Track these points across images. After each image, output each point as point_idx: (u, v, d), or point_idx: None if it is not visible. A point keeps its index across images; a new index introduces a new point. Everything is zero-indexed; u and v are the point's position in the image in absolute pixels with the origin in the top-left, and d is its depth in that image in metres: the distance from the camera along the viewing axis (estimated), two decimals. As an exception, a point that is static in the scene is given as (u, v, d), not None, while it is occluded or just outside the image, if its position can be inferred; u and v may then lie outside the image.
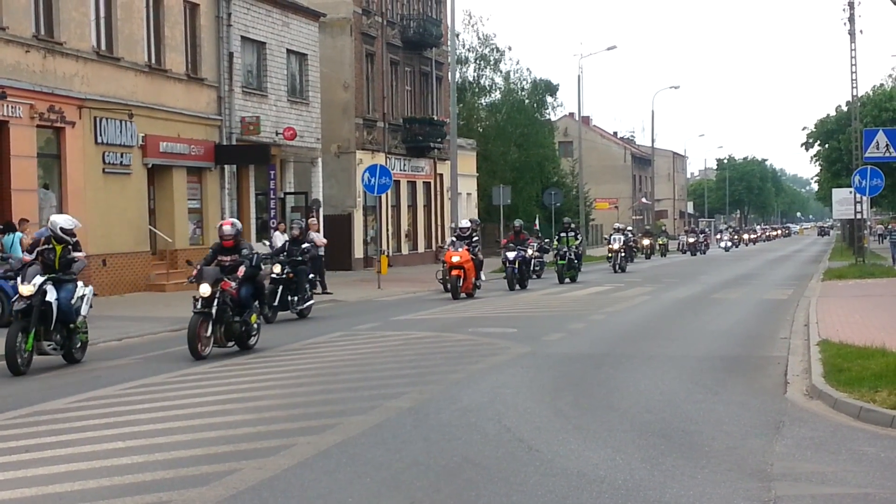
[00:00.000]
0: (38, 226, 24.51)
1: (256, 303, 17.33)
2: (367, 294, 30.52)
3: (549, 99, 70.09)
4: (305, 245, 23.64)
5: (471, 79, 66.65)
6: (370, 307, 26.56)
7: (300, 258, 23.26)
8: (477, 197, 59.02)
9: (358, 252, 45.22)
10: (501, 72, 67.74)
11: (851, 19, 43.90)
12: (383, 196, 40.68)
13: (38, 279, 15.11)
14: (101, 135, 28.89)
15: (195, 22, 34.08)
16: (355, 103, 45.21)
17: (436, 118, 51.96)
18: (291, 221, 25.74)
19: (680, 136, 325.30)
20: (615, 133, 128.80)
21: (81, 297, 15.92)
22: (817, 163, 71.74)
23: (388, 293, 30.32)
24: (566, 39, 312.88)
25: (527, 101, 67.87)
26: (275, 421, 10.94)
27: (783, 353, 16.13)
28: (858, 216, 45.86)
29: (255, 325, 17.12)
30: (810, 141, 70.11)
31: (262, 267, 17.96)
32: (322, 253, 30.38)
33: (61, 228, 15.88)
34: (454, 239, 29.99)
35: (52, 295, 15.19)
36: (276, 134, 37.43)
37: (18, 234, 23.00)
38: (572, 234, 37.54)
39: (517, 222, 36.17)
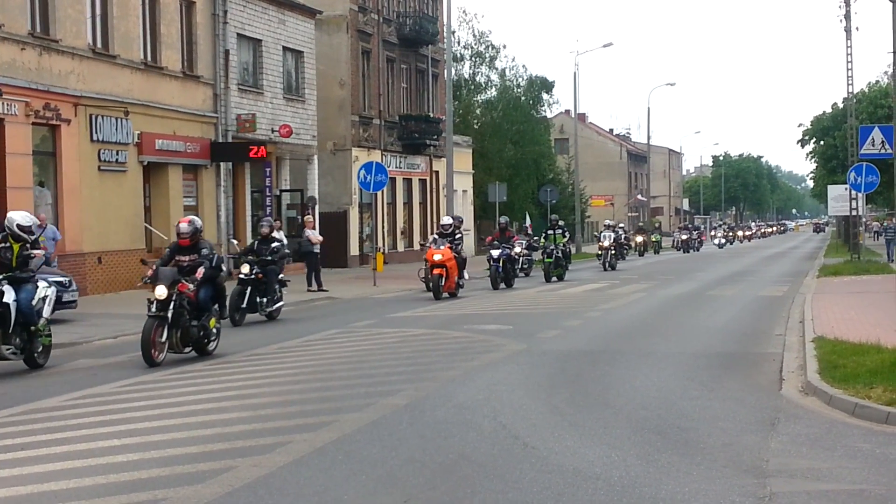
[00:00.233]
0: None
1: (216, 306, 16.39)
2: (362, 291, 30.52)
3: (544, 96, 69.94)
4: (275, 244, 22.69)
5: (466, 76, 66.60)
6: (366, 304, 26.56)
7: (269, 258, 22.36)
8: (473, 194, 59.00)
9: (354, 249, 45.22)
10: (497, 69, 67.68)
11: (847, 16, 43.92)
12: (379, 193, 40.61)
13: None
14: (96, 132, 28.86)
15: (191, 19, 34.05)
16: (351, 100, 45.20)
17: (432, 115, 51.95)
18: (261, 220, 24.24)
19: (676, 133, 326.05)
20: (611, 130, 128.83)
21: (43, 299, 15.13)
22: (813, 160, 71.77)
23: (383, 290, 30.32)
24: (562, 37, 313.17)
25: (523, 98, 67.79)
26: (271, 418, 10.94)
27: (778, 350, 16.15)
28: (854, 213, 45.89)
29: (214, 330, 16.25)
30: (806, 138, 70.13)
31: (223, 268, 16.88)
32: (318, 250, 30.41)
33: (18, 225, 14.96)
34: (436, 237, 29.21)
35: (9, 296, 14.47)
36: (272, 131, 37.40)
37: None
38: (559, 231, 36.76)
39: (502, 219, 35.39)
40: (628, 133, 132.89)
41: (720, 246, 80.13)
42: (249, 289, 21.60)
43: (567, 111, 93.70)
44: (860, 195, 41.13)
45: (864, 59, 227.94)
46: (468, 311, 23.56)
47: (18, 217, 15.29)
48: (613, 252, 44.70)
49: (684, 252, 68.56)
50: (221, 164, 35.04)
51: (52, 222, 26.74)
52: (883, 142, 31.22)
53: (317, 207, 40.04)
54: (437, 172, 53.10)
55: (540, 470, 8.73)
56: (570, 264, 42.04)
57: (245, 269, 21.82)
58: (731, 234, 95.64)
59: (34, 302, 14.91)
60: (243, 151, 35.06)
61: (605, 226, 47.94)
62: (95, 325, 19.43)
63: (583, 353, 16.18)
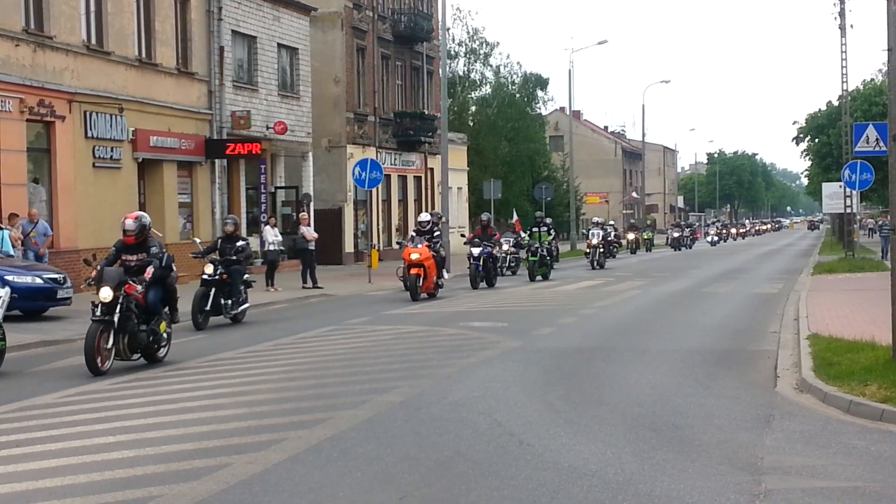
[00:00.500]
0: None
1: (167, 309, 15.36)
2: (357, 288, 30.51)
3: (539, 93, 69.98)
4: (240, 243, 21.44)
5: (461, 73, 66.60)
6: (361, 301, 26.56)
7: (234, 257, 21.13)
8: (468, 191, 59.00)
9: (349, 246, 45.20)
10: (492, 66, 67.69)
11: (842, 14, 43.98)
12: (374, 190, 40.58)
13: None
14: (91, 129, 28.82)
15: (186, 16, 34.01)
16: (346, 97, 45.17)
17: (426, 112, 51.93)
18: (225, 217, 22.82)
19: (670, 130, 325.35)
20: (606, 127, 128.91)
21: None
22: (807, 157, 71.81)
23: (378, 287, 30.30)
24: (557, 34, 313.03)
25: (517, 95, 67.80)
26: (266, 415, 10.94)
27: (773, 347, 16.17)
28: (848, 210, 45.94)
29: (165, 335, 15.19)
30: (801, 135, 70.17)
31: (174, 268, 15.73)
32: (312, 247, 30.39)
33: None
34: (413, 234, 27.98)
35: None
36: (267, 128, 37.38)
37: (6, 231, 22.96)
38: (545, 229, 35.73)
39: (484, 216, 33.80)
40: (623, 130, 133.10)
41: (713, 243, 79.88)
42: (213, 290, 20.39)
43: (562, 108, 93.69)
44: (855, 193, 41.19)
45: (858, 57, 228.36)
46: (463, 309, 23.57)
47: None
48: (602, 250, 43.58)
49: (675, 250, 68.30)
50: (216, 160, 35.00)
51: (47, 219, 26.72)
52: (877, 139, 31.18)
53: (312, 204, 40.02)
54: (431, 169, 53.08)
55: (535, 467, 8.73)
56: (556, 263, 41.48)
57: (209, 269, 20.61)
58: (724, 231, 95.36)
59: None
60: (221, 149, 34.78)
61: (593, 223, 46.89)
62: (90, 322, 19.37)
63: (578, 350, 16.19)
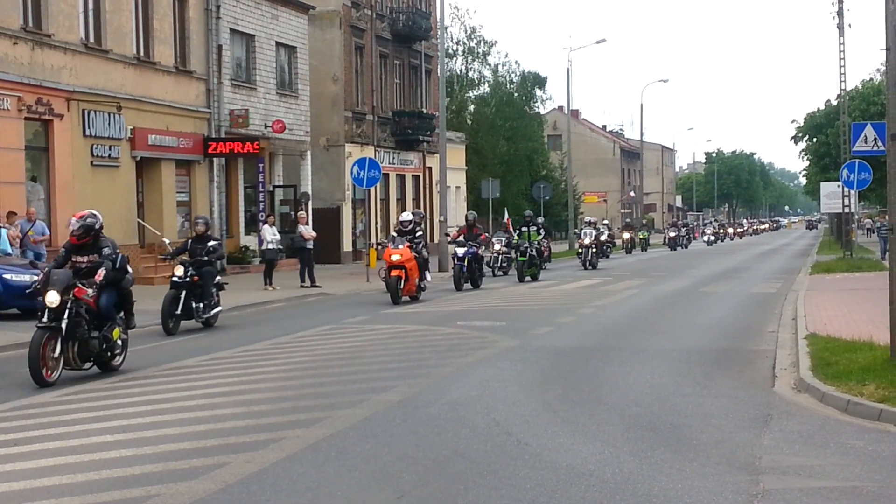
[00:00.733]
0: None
1: (122, 314, 14.42)
2: (356, 287, 30.50)
3: (537, 92, 70.05)
4: (211, 243, 20.30)
5: (459, 72, 66.59)
6: (359, 300, 26.54)
7: (205, 258, 20.01)
8: (466, 190, 58.99)
9: (347, 245, 45.18)
10: (490, 65, 67.73)
11: (840, 13, 43.94)
12: (372, 189, 40.57)
13: None
14: (89, 127, 28.82)
15: (184, 14, 34.00)
16: (344, 96, 45.16)
17: (425, 111, 51.93)
18: (196, 218, 21.54)
19: (669, 129, 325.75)
20: (604, 126, 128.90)
21: None
22: (806, 157, 71.80)
23: (376, 286, 30.23)
24: (555, 33, 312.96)
25: (515, 94, 67.83)
26: (264, 414, 10.93)
27: (771, 347, 16.17)
28: (846, 210, 45.93)
29: (120, 342, 14.19)
30: (799, 135, 70.15)
31: (129, 269, 14.74)
32: (311, 246, 30.37)
33: None
34: (394, 234, 26.88)
35: None
36: (266, 127, 37.36)
37: (4, 229, 22.96)
38: (534, 228, 35.00)
39: (470, 215, 32.92)
40: (621, 129, 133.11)
41: (709, 243, 79.34)
42: (184, 293, 19.36)
43: (560, 107, 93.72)
44: (853, 192, 41.18)
45: (857, 56, 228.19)
46: (461, 308, 23.56)
47: None
48: (595, 250, 42.26)
49: (672, 249, 67.83)
50: (214, 159, 34.99)
51: (45, 217, 26.72)
52: (876, 139, 31.19)
53: (310, 203, 40.02)
54: (430, 168, 53.09)
55: (533, 466, 8.72)
56: (547, 263, 41.00)
57: (179, 270, 19.53)
58: (721, 231, 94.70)
59: None
60: (217, 147, 34.70)
61: (585, 223, 46.12)
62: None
63: (576, 349, 16.18)
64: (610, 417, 10.85)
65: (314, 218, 38.87)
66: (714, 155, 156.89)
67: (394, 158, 50.23)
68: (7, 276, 20.84)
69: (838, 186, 43.99)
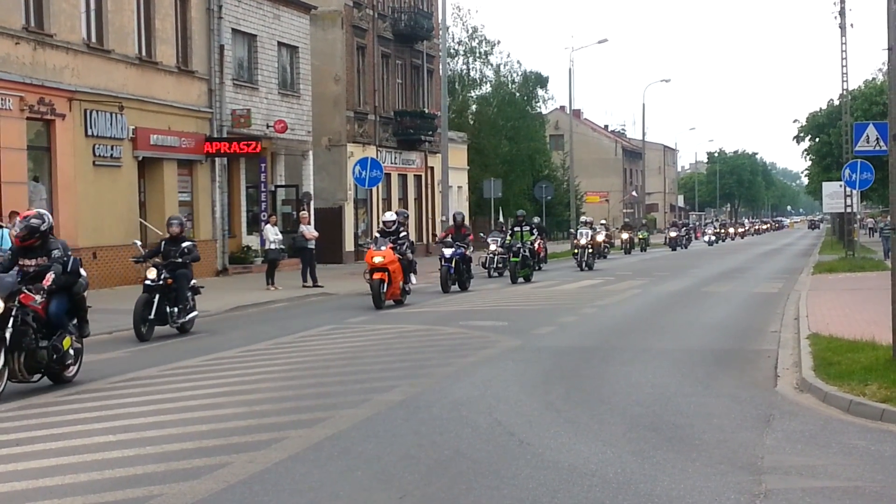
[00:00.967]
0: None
1: (74, 321, 13.42)
2: (357, 287, 30.39)
3: (539, 92, 70.04)
4: (186, 244, 19.39)
5: (460, 71, 66.60)
6: (361, 300, 26.48)
7: (179, 260, 19.08)
8: (468, 190, 59.00)
9: (349, 245, 45.19)
10: (492, 64, 67.73)
11: (842, 13, 43.93)
12: (374, 189, 40.63)
13: None
14: (91, 127, 28.82)
15: (186, 14, 34.01)
16: (346, 96, 45.17)
17: (427, 111, 51.94)
18: (170, 218, 20.65)
19: (671, 129, 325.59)
20: (606, 126, 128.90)
21: None
22: (808, 157, 71.76)
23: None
24: (557, 32, 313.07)
25: (517, 94, 67.83)
26: (266, 414, 10.94)
27: (773, 347, 16.16)
28: (848, 210, 45.90)
29: (72, 352, 13.13)
30: (801, 135, 70.12)
31: (83, 273, 13.61)
32: (312, 246, 30.37)
33: None
34: (377, 235, 25.45)
35: None
36: (267, 127, 37.37)
37: (6, 229, 22.95)
38: (527, 228, 34.15)
39: (458, 215, 31.73)
40: (623, 129, 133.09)
41: (710, 243, 78.80)
42: (157, 297, 18.38)
43: (562, 107, 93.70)
44: (855, 192, 41.15)
45: (859, 56, 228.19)
46: (463, 308, 23.56)
47: None
48: (591, 251, 41.62)
49: (673, 249, 67.39)
50: (216, 159, 35.00)
51: (47, 217, 26.70)
52: (878, 139, 31.16)
53: (312, 203, 40.02)
54: (431, 168, 53.09)
55: (535, 466, 8.72)
56: (543, 264, 40.54)
57: (151, 273, 18.51)
58: (722, 230, 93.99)
59: None
60: (218, 148, 34.67)
61: (581, 222, 45.25)
62: (90, 320, 19.33)
63: (578, 349, 16.18)
64: (612, 417, 10.85)
65: (316, 218, 38.89)
66: (716, 155, 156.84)
67: (396, 158, 50.23)
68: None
69: (840, 186, 43.92)
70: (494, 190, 48.02)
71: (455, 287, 28.46)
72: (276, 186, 39.35)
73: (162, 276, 18.56)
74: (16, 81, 25.90)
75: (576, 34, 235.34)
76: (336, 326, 19.85)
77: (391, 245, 24.28)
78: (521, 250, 32.69)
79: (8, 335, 12.17)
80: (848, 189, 41.14)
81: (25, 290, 12.62)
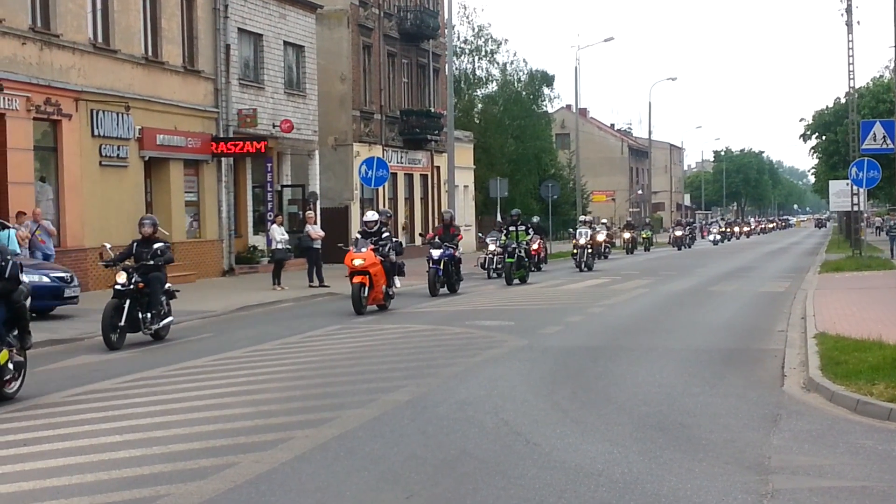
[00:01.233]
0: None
1: (15, 333, 12.31)
2: (364, 287, 30.42)
3: (545, 90, 69.99)
4: (158, 245, 17.99)
5: (466, 70, 66.59)
6: (367, 300, 26.50)
7: (152, 262, 17.79)
8: (474, 189, 58.99)
9: (355, 245, 45.10)
10: (498, 63, 67.71)
11: (849, 10, 43.92)
12: (380, 189, 40.64)
13: None
14: (97, 127, 28.84)
15: (192, 14, 34.03)
16: (352, 95, 45.16)
17: (433, 110, 51.92)
18: (142, 218, 19.17)
19: (677, 127, 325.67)
20: (612, 125, 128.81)
21: None
22: (815, 155, 71.70)
23: (401, 283, 30.21)
24: (563, 31, 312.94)
25: (523, 92, 67.80)
26: (273, 414, 10.94)
27: (780, 346, 16.14)
28: (855, 208, 45.86)
29: (12, 366, 12.02)
30: (808, 133, 70.06)
31: (24, 280, 12.60)
32: (319, 246, 30.38)
33: None
34: (357, 236, 23.93)
35: None
36: (273, 126, 37.38)
37: (12, 230, 22.99)
38: (522, 228, 32.90)
39: (446, 214, 30.61)
40: (629, 128, 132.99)
41: (715, 242, 78.00)
42: (128, 302, 17.21)
43: (568, 106, 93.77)
44: (862, 190, 41.12)
45: (866, 54, 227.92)
46: (469, 307, 23.57)
47: None
48: (591, 251, 40.68)
49: (678, 249, 66.86)
50: (222, 159, 35.02)
51: (54, 217, 26.77)
52: (885, 137, 31.19)
53: (318, 203, 40.03)
54: (438, 168, 53.07)
55: (542, 466, 8.72)
56: (543, 264, 40.17)
57: (121, 277, 17.38)
58: (727, 229, 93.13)
59: None
60: (223, 148, 34.66)
61: (580, 222, 44.16)
62: (96, 320, 19.34)
63: (584, 349, 16.17)
64: (619, 417, 10.84)
65: (322, 217, 38.88)
66: (722, 153, 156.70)
67: (402, 157, 50.23)
68: (16, 277, 20.86)
69: (847, 184, 43.92)
70: (501, 189, 47.99)
71: (444, 290, 27.52)
72: (283, 186, 39.36)
73: (133, 280, 17.41)
74: (22, 82, 25.93)
75: (582, 33, 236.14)
76: (343, 326, 19.86)
77: (372, 247, 23.00)
78: (518, 251, 31.65)
79: None
80: (855, 187, 41.13)
81: None
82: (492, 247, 34.89)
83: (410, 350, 16.19)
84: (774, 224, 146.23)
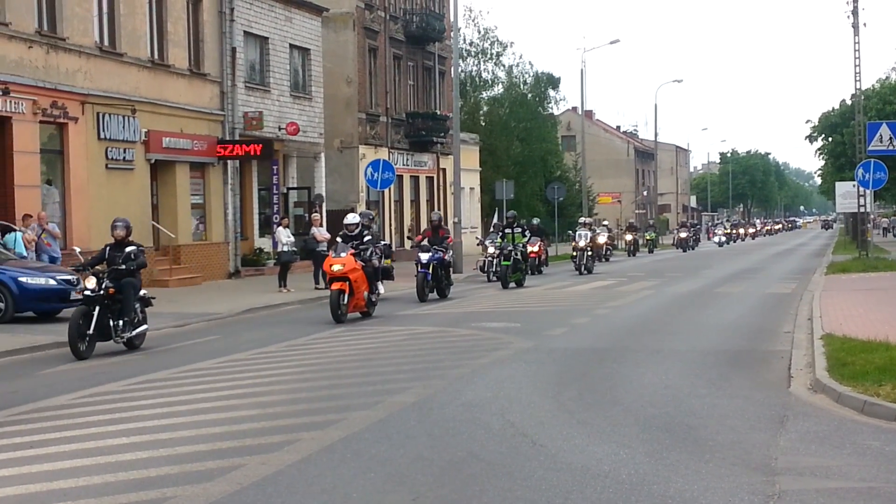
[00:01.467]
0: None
1: None
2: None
3: (551, 93, 69.95)
4: (130, 248, 17.11)
5: (472, 72, 66.56)
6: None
7: (125, 267, 16.90)
8: (480, 192, 58.99)
9: (361, 247, 45.09)
10: (504, 66, 67.68)
11: (855, 12, 43.79)
12: (386, 191, 40.63)
13: None
14: (104, 130, 28.90)
15: (198, 17, 34.08)
16: (358, 98, 45.20)
17: (438, 112, 51.94)
18: (114, 220, 17.80)
19: (683, 129, 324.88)
20: (618, 127, 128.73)
21: None
22: (821, 156, 71.59)
23: (391, 288, 30.18)
24: (569, 33, 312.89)
25: (529, 95, 67.78)
26: (279, 416, 10.95)
27: (787, 347, 16.12)
28: (862, 210, 45.79)
29: None
30: (814, 134, 69.96)
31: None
32: (324, 248, 30.38)
33: None
34: (338, 240, 22.86)
35: None
36: (279, 129, 37.42)
37: (18, 232, 23.06)
38: (519, 230, 32.50)
39: (434, 215, 29.65)
40: (635, 130, 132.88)
41: (720, 244, 77.33)
42: (98, 309, 16.41)
43: (574, 108, 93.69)
44: (868, 192, 41.05)
45: (872, 55, 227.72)
46: (475, 309, 23.57)
47: None
48: (591, 253, 39.84)
49: (682, 251, 66.17)
50: (228, 161, 35.06)
51: (60, 220, 26.82)
52: (891, 138, 31.15)
53: (324, 205, 40.05)
54: (444, 170, 53.08)
55: (548, 468, 8.72)
56: (544, 267, 39.88)
57: (90, 283, 16.51)
58: (733, 231, 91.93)
59: None
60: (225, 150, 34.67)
61: (579, 224, 43.45)
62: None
63: (590, 350, 16.16)
64: (625, 418, 10.83)
65: (328, 220, 38.89)
66: (728, 155, 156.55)
67: (408, 160, 50.23)
68: (23, 280, 20.95)
69: (854, 186, 43.81)
70: (507, 191, 47.97)
71: (433, 295, 26.72)
72: (288, 188, 39.39)
73: (103, 286, 16.55)
74: (29, 85, 25.99)
75: (588, 35, 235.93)
76: (348, 328, 19.86)
77: (353, 251, 21.97)
78: (514, 253, 30.87)
79: None
80: (861, 189, 41.02)
81: None
82: (491, 249, 34.16)
83: (416, 352, 16.19)
84: (781, 225, 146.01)
